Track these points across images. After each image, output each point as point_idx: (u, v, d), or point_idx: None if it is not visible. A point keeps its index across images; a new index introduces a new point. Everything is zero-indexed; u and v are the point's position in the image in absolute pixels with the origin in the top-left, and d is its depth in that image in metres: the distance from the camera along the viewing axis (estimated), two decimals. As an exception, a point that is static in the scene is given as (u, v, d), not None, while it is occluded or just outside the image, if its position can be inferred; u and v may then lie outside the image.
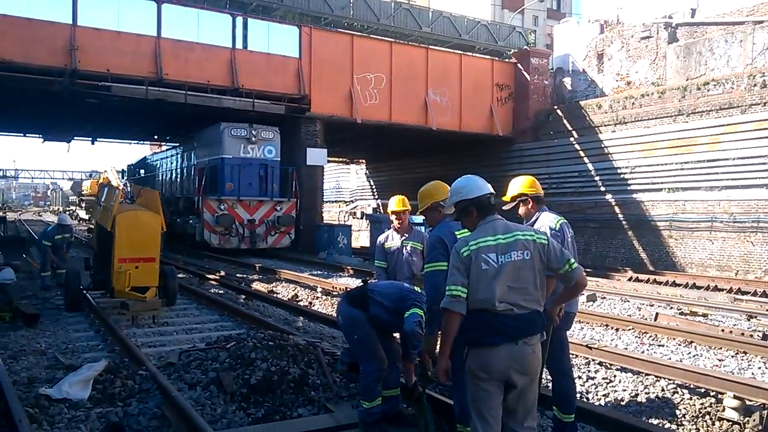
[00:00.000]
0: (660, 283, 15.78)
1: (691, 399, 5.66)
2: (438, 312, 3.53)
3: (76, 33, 17.65)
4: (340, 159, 35.37)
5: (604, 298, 12.32)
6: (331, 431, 4.66)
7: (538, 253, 3.33)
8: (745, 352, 7.62)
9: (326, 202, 30.45)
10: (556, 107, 24.33)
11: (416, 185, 4.90)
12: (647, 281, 16.05)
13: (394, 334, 4.87)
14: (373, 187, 34.51)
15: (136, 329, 8.62)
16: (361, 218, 30.48)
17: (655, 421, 5.21)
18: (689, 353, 7.72)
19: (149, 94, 18.39)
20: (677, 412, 5.41)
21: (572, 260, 3.43)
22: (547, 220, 4.46)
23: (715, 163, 18.23)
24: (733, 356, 7.55)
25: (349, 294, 5.02)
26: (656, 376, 6.32)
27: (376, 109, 22.22)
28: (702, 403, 5.49)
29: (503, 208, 4.30)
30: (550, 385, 4.66)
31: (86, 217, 38.86)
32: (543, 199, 4.66)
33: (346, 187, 37.92)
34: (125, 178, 30.47)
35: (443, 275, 3.87)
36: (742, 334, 8.68)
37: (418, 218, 4.98)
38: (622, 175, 20.94)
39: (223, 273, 14.99)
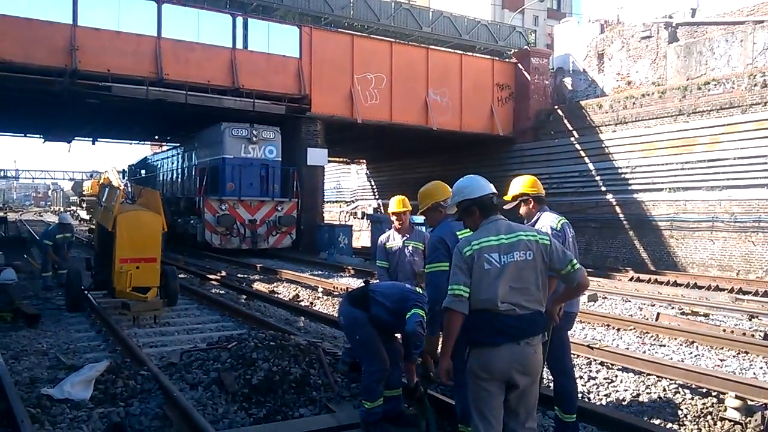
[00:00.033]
0: (661, 283, 15.77)
1: (692, 399, 5.65)
2: (440, 312, 3.53)
3: (77, 33, 17.65)
4: (341, 159, 35.38)
5: (606, 298, 12.32)
6: (332, 431, 4.66)
7: (541, 253, 3.33)
8: (746, 352, 7.62)
9: (327, 202, 30.45)
10: (556, 107, 24.33)
11: (417, 185, 4.90)
12: (648, 281, 16.04)
13: (396, 335, 4.87)
14: (374, 187, 34.51)
15: (137, 329, 8.62)
16: (362, 218, 30.49)
17: (656, 421, 5.21)
18: (691, 353, 7.72)
19: (150, 94, 18.39)
20: (679, 412, 5.41)
21: (575, 261, 3.42)
22: (548, 220, 4.46)
23: (716, 163, 18.23)
24: (734, 356, 7.55)
25: (351, 294, 5.02)
26: (658, 376, 6.32)
27: (376, 109, 22.23)
28: (704, 403, 5.49)
29: (504, 207, 4.30)
30: (551, 385, 4.65)
31: (87, 217, 38.87)
32: (544, 199, 4.66)
33: (346, 187, 37.92)
34: (126, 178, 30.51)
35: (445, 276, 3.87)
36: (744, 334, 8.68)
37: (419, 218, 4.98)
38: (622, 175, 20.94)
39: (224, 273, 14.99)
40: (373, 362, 4.57)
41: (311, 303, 11.42)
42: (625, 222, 20.78)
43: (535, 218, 4.54)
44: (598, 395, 5.91)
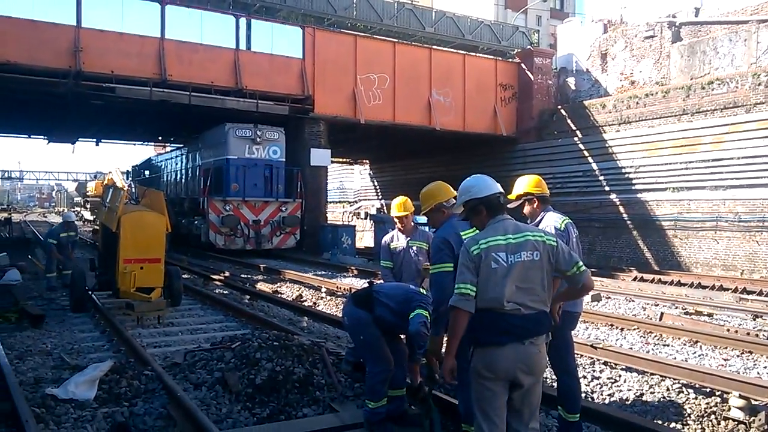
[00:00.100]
0: (665, 282, 15.74)
1: (696, 398, 5.64)
2: (444, 313, 3.53)
3: (81, 35, 17.69)
4: (344, 159, 35.40)
5: (609, 297, 12.30)
6: (336, 431, 4.66)
7: (548, 254, 3.34)
8: (750, 352, 7.61)
9: (330, 202, 30.48)
10: (559, 107, 24.29)
11: (420, 185, 4.90)
12: (652, 281, 16.01)
13: (400, 335, 4.87)
14: (377, 187, 34.52)
15: (141, 329, 8.64)
16: (365, 219, 30.49)
17: (660, 421, 5.20)
18: (694, 353, 7.70)
19: (153, 95, 18.43)
20: (682, 411, 5.40)
21: (580, 263, 3.43)
22: (552, 220, 4.46)
23: (720, 163, 18.18)
24: (738, 356, 7.53)
25: (355, 295, 5.03)
26: (661, 376, 6.31)
27: (379, 109, 22.23)
28: (707, 403, 5.48)
29: (508, 206, 4.30)
30: (554, 384, 4.65)
31: (91, 218, 38.98)
32: (548, 199, 4.66)
33: (349, 188, 37.94)
34: (130, 179, 30.57)
35: (449, 276, 3.87)
36: (748, 333, 8.66)
37: (422, 218, 4.98)
38: (626, 175, 20.90)
39: (227, 273, 15.01)
40: (378, 363, 4.57)
41: (314, 303, 11.43)
42: (628, 222, 20.75)
43: (539, 218, 4.53)
44: (602, 395, 5.90)
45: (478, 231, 3.55)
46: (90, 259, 11.45)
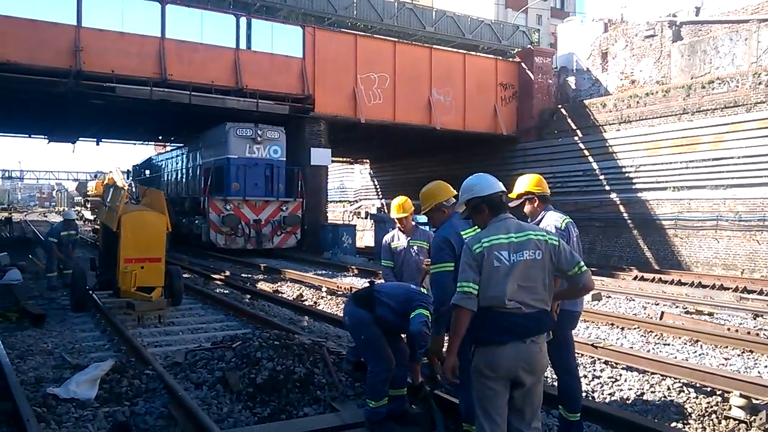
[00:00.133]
0: (665, 281, 15.75)
1: (697, 398, 5.65)
2: (445, 312, 3.52)
3: (81, 34, 17.70)
4: (344, 159, 35.40)
5: (610, 296, 12.30)
6: (336, 430, 4.66)
7: (549, 253, 3.34)
8: (751, 351, 7.61)
9: (330, 202, 30.48)
10: (560, 106, 24.28)
11: (420, 185, 4.89)
12: (652, 280, 16.02)
13: (402, 335, 4.87)
14: (377, 186, 34.52)
15: (142, 329, 8.64)
16: (366, 218, 30.50)
17: (661, 420, 5.20)
18: (695, 352, 7.71)
19: (153, 94, 18.44)
20: (683, 410, 5.40)
21: (582, 263, 3.43)
22: (552, 219, 4.46)
23: (720, 162, 18.18)
24: (739, 355, 7.53)
25: (356, 294, 5.03)
26: (662, 375, 6.31)
27: (379, 108, 22.22)
28: (708, 402, 5.48)
29: (509, 205, 4.30)
30: (555, 383, 4.65)
31: (92, 217, 38.97)
32: (549, 198, 4.66)
33: (350, 187, 37.94)
34: (130, 178, 30.61)
35: (450, 276, 3.87)
36: (748, 332, 8.66)
37: (423, 218, 4.98)
38: (626, 174, 20.90)
39: (228, 273, 15.01)
40: (379, 362, 4.57)
41: (315, 302, 11.43)
42: (629, 221, 20.75)
43: (540, 217, 4.53)
44: (603, 394, 5.91)
45: (479, 230, 3.56)
46: (91, 259, 11.46)
